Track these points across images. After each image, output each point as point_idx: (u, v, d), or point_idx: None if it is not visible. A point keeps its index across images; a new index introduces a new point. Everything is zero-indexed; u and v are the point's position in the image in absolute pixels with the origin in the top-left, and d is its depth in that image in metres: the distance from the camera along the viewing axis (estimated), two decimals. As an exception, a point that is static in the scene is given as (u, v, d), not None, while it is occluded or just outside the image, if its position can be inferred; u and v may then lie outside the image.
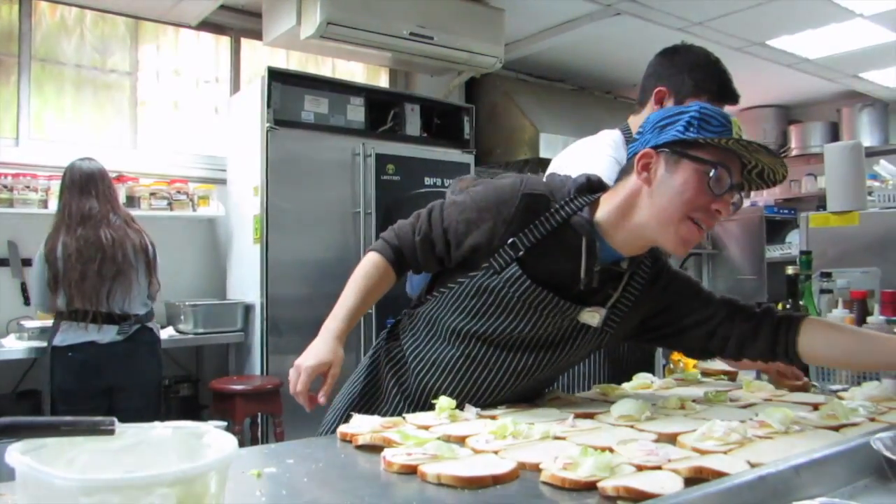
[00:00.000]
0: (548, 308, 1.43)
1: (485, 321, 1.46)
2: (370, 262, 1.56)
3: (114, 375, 3.20)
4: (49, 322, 3.32)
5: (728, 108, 1.97)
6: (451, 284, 1.49)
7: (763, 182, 1.43)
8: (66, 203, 3.23)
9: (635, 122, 2.03)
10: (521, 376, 1.49)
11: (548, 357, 1.49)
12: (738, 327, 1.51)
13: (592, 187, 1.48)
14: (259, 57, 5.01)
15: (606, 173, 1.79)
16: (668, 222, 1.35)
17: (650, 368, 1.99)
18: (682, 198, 1.33)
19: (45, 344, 3.27)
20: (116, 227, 3.25)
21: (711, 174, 1.31)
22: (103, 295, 3.17)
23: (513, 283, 1.42)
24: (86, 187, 3.24)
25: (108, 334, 3.19)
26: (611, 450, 1.10)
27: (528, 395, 1.57)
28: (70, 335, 3.16)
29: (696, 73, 1.94)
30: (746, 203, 7.28)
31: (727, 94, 1.96)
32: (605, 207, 1.42)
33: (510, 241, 1.42)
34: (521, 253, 1.42)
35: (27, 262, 3.68)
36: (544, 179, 1.52)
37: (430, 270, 1.59)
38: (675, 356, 2.12)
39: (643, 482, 0.95)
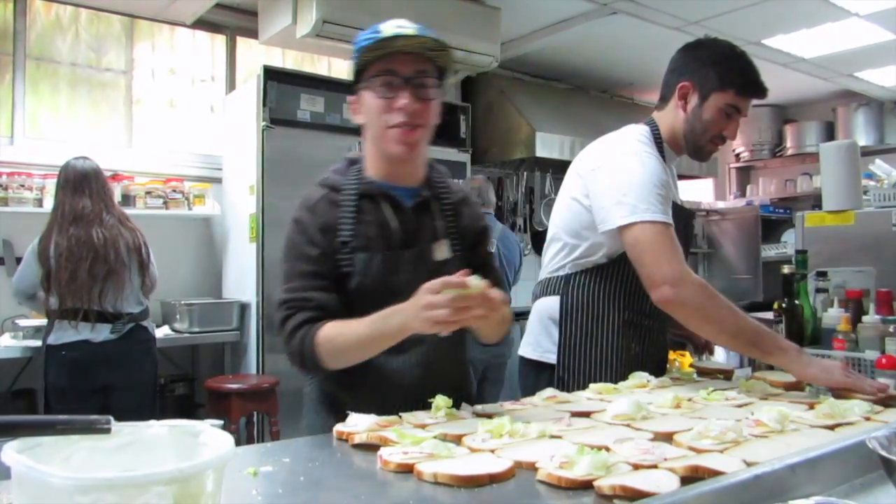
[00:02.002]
0: (408, 264, 1.54)
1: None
2: (320, 332, 1.47)
3: (108, 374, 3.19)
4: (44, 321, 3.31)
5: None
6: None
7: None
8: (60, 202, 3.23)
9: (659, 117, 2.00)
10: (428, 341, 1.52)
11: None
12: None
13: (355, 160, 1.65)
14: (255, 56, 5.00)
15: (652, 167, 1.80)
16: (379, 135, 1.52)
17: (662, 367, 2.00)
18: (378, 112, 1.50)
19: (39, 343, 3.26)
20: (109, 226, 3.24)
21: (377, 83, 1.49)
22: (95, 294, 3.16)
23: (369, 267, 1.52)
24: (79, 186, 3.23)
25: (101, 333, 3.19)
26: (607, 449, 1.10)
27: (452, 372, 1.65)
28: (64, 334, 3.15)
29: (721, 67, 1.89)
30: (742, 203, 7.32)
31: (754, 87, 1.91)
32: (369, 161, 1.60)
33: (338, 242, 1.52)
34: (353, 242, 1.52)
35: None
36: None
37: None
38: (673, 356, 2.13)
39: (639, 481, 0.95)
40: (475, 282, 1.30)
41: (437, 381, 1.50)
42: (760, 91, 1.92)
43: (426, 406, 1.42)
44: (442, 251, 1.60)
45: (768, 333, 1.71)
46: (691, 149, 1.97)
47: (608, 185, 1.83)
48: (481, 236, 1.73)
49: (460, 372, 1.73)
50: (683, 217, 2.03)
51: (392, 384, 1.54)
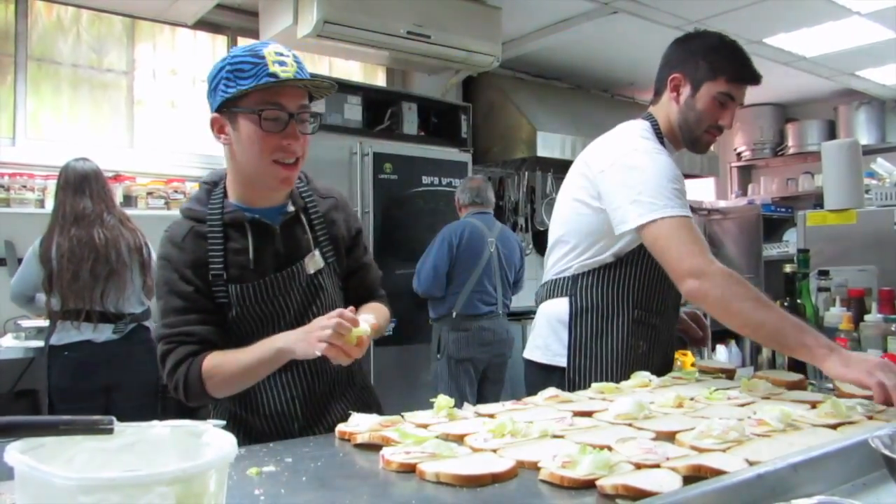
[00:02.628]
0: (283, 286, 1.54)
1: (267, 335, 1.49)
2: (204, 363, 1.49)
3: (110, 374, 3.19)
4: (46, 322, 3.32)
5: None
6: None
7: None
8: (61, 203, 3.24)
9: (655, 111, 1.99)
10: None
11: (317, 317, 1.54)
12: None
13: (214, 182, 1.62)
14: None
15: (662, 162, 1.79)
16: (256, 166, 1.49)
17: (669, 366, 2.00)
18: (261, 146, 1.46)
19: (42, 343, 3.27)
20: (110, 226, 3.24)
21: (262, 116, 1.43)
22: (97, 294, 3.17)
23: (244, 297, 1.52)
24: (80, 187, 3.24)
25: (103, 333, 3.20)
26: (609, 448, 1.10)
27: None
28: (66, 335, 3.16)
29: (711, 57, 1.88)
30: (743, 202, 7.31)
31: (746, 75, 1.89)
32: (231, 184, 1.58)
33: (210, 276, 1.51)
34: (223, 276, 1.51)
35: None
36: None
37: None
38: (675, 354, 2.13)
39: (641, 480, 0.95)
40: (361, 328, 1.37)
41: (328, 388, 1.59)
42: (752, 77, 1.90)
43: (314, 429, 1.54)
44: (314, 262, 1.60)
45: (795, 328, 1.59)
46: (688, 141, 1.95)
47: (620, 185, 1.79)
48: (356, 239, 1.73)
49: (349, 375, 1.71)
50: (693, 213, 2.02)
51: (279, 399, 1.59)
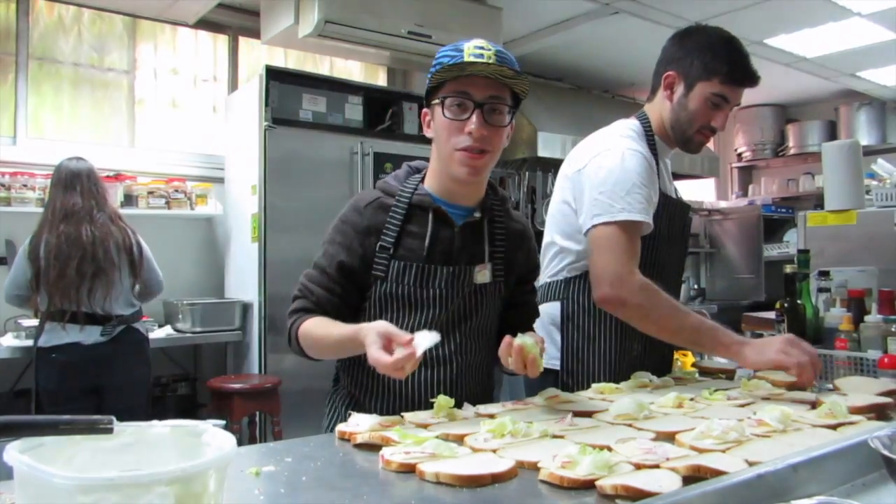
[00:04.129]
0: (444, 280, 1.55)
1: (406, 322, 1.53)
2: (305, 323, 1.55)
3: (98, 376, 3.16)
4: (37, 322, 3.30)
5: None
6: (364, 304, 1.59)
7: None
8: (52, 200, 3.23)
9: (650, 109, 1.97)
10: (459, 354, 1.59)
11: (467, 327, 1.60)
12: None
13: (418, 168, 1.67)
14: (257, 56, 5.01)
15: (632, 164, 1.79)
16: (446, 155, 1.52)
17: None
18: (447, 133, 1.51)
19: (42, 343, 3.25)
20: (99, 224, 3.21)
21: (445, 103, 1.48)
22: (83, 293, 3.13)
23: (403, 275, 1.54)
24: (71, 184, 3.21)
25: (91, 335, 3.16)
26: (609, 448, 1.10)
27: (480, 378, 1.66)
28: (54, 336, 3.13)
29: (706, 55, 1.83)
30: (744, 202, 7.31)
31: (740, 75, 1.84)
32: (430, 174, 1.62)
33: (378, 245, 1.54)
34: (391, 251, 1.54)
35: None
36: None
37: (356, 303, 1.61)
38: (675, 355, 2.12)
39: (641, 481, 0.95)
40: (423, 342, 1.31)
41: (461, 400, 1.49)
42: (748, 79, 1.85)
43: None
44: (483, 275, 1.60)
45: (710, 331, 1.71)
46: (679, 140, 1.93)
47: (588, 185, 1.82)
48: (532, 274, 1.76)
49: (485, 392, 1.72)
50: (678, 210, 2.01)
51: (415, 399, 1.57)
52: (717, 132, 1.93)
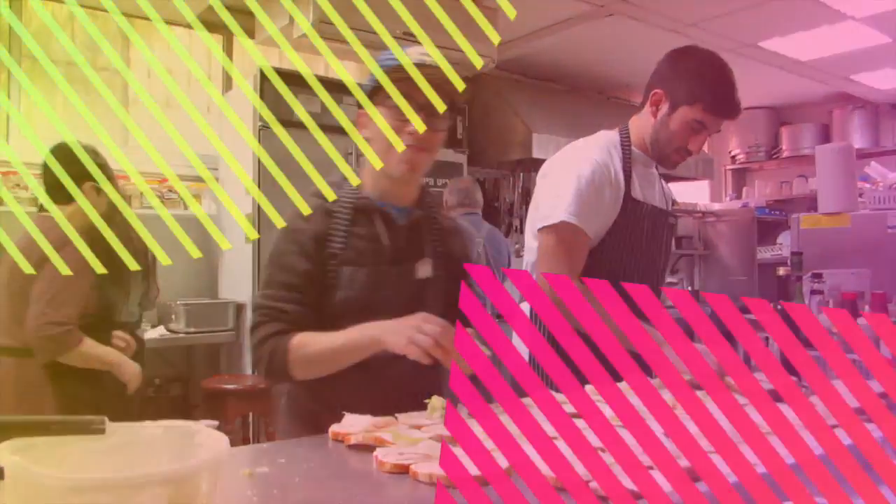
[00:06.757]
0: (392, 281, 1.56)
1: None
2: (293, 340, 1.50)
3: None
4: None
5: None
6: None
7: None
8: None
9: (637, 122, 1.99)
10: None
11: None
12: None
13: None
14: (250, 57, 5.00)
15: (580, 173, 1.84)
16: (385, 154, 1.50)
17: None
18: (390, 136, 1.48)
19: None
20: None
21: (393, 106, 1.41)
22: None
23: (354, 281, 1.54)
24: None
25: None
26: (604, 449, 1.10)
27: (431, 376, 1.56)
28: None
29: (693, 81, 1.84)
30: (738, 205, 7.33)
31: (722, 107, 1.85)
32: (366, 176, 1.62)
33: (328, 253, 1.53)
34: (342, 255, 1.54)
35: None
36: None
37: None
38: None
39: (640, 481, 0.95)
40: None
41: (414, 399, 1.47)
42: (730, 111, 1.87)
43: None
44: (424, 269, 1.63)
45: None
46: (657, 156, 1.98)
47: (539, 192, 1.94)
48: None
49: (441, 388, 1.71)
50: (652, 216, 2.01)
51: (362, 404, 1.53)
52: (692, 154, 1.98)
